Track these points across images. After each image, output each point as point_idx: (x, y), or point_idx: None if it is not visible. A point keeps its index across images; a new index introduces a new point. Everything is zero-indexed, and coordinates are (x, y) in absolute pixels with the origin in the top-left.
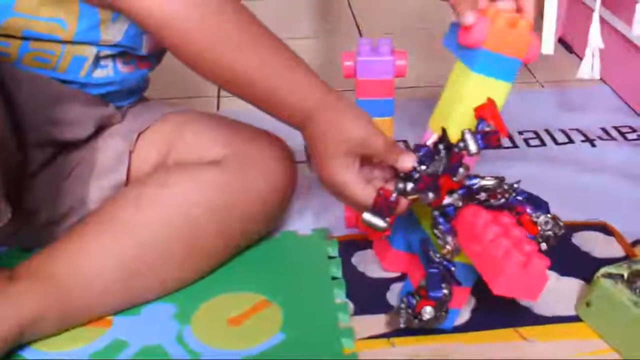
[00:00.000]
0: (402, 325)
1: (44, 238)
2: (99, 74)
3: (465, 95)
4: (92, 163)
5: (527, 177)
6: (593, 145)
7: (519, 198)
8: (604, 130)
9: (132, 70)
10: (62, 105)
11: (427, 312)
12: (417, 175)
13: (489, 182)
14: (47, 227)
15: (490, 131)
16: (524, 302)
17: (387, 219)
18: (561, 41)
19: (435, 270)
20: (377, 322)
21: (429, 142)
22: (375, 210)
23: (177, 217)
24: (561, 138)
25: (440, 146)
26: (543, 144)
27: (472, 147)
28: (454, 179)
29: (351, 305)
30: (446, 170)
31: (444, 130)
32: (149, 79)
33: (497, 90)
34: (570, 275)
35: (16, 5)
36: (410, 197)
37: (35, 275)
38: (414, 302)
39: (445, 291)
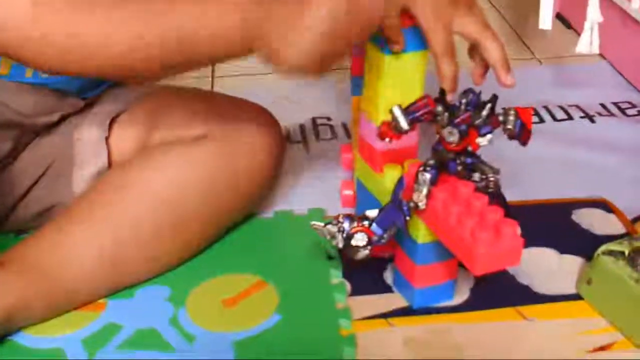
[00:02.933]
0: (326, 237)
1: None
2: (45, 73)
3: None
4: (70, 156)
5: (525, 154)
6: (592, 122)
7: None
8: (603, 106)
9: None
10: (15, 97)
11: (359, 238)
12: (462, 108)
13: (487, 169)
14: (36, 219)
15: (528, 128)
16: (524, 280)
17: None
18: (559, 17)
19: (392, 209)
20: (375, 302)
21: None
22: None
23: (163, 197)
24: (560, 114)
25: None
26: (542, 120)
27: (511, 126)
28: (479, 139)
29: (348, 286)
30: (479, 126)
31: (494, 96)
32: None
33: (414, 61)
34: (570, 253)
35: None
36: (442, 123)
37: (20, 263)
38: (349, 224)
39: (386, 234)
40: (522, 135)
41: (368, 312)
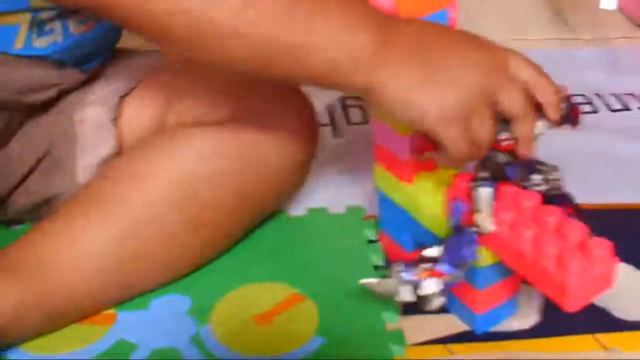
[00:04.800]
0: (388, 295)
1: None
2: (42, 42)
3: None
4: (72, 140)
5: (579, 149)
6: None
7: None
8: None
9: (91, 28)
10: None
11: (432, 284)
12: None
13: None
14: (32, 212)
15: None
16: (599, 302)
17: None
18: None
19: (457, 241)
20: (430, 324)
21: None
22: None
23: (180, 190)
24: (615, 104)
25: None
26: (595, 110)
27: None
28: None
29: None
30: None
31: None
32: (120, 28)
33: None
34: None
35: None
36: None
37: (15, 266)
38: (412, 272)
39: (460, 272)
40: (571, 116)
41: (423, 337)
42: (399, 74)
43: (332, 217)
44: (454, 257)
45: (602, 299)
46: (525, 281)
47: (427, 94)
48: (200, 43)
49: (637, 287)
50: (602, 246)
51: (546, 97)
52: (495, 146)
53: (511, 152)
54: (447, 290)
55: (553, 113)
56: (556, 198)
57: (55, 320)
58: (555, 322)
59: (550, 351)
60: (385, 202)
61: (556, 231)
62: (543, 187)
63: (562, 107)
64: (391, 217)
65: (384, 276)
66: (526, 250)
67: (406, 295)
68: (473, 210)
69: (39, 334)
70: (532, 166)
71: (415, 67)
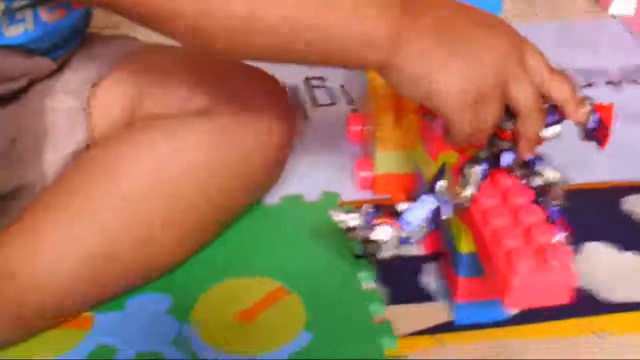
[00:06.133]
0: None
1: None
2: (14, 31)
3: None
4: (42, 130)
5: None
6: (618, 89)
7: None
8: (624, 70)
9: (63, 16)
10: None
11: (381, 232)
12: None
13: (555, 174)
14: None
15: (606, 126)
16: (585, 284)
17: None
18: None
19: (428, 197)
20: (416, 314)
21: None
22: None
23: (157, 185)
24: (581, 80)
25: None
26: None
27: (586, 119)
28: (543, 131)
29: (381, 292)
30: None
31: None
32: (90, 14)
33: None
34: (630, 249)
35: None
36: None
37: None
38: (373, 215)
39: (417, 232)
40: (598, 133)
41: (411, 327)
42: (421, 52)
43: (308, 205)
44: (417, 215)
45: (588, 282)
46: None
47: (446, 76)
48: (215, 29)
49: (621, 268)
50: (563, 255)
51: (563, 93)
52: (498, 132)
53: (513, 142)
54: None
55: (573, 111)
56: (554, 211)
57: (31, 329)
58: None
59: (538, 337)
60: (420, 175)
61: (526, 229)
62: (541, 194)
63: (591, 120)
64: None
65: (351, 211)
66: (488, 237)
67: (359, 233)
68: (457, 183)
69: (12, 342)
70: (539, 169)
71: (438, 45)
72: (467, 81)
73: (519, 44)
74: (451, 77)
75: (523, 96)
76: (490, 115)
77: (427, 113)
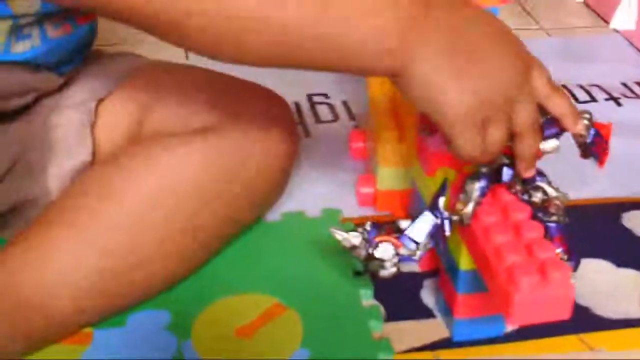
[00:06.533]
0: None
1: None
2: (20, 47)
3: None
4: (47, 145)
5: None
6: (619, 104)
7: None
8: (625, 86)
9: (69, 32)
10: None
11: (383, 250)
12: None
13: (552, 191)
14: (6, 218)
15: (605, 142)
16: (582, 300)
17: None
18: None
19: (430, 215)
20: (415, 331)
21: None
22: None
23: (162, 200)
24: (582, 95)
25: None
26: None
27: (583, 131)
28: (541, 144)
29: (381, 309)
30: (541, 126)
31: None
32: (95, 30)
33: None
34: (627, 266)
35: None
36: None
37: None
38: (374, 233)
39: (419, 250)
40: (596, 148)
41: (409, 343)
42: (435, 61)
43: (309, 221)
44: (418, 233)
45: (585, 298)
46: None
47: (455, 93)
48: (222, 36)
49: (617, 284)
50: (561, 270)
51: (561, 108)
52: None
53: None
54: (398, 262)
55: (572, 123)
56: (553, 227)
57: (35, 345)
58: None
59: (536, 353)
60: (417, 193)
61: (527, 246)
62: (541, 210)
63: (588, 134)
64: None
65: (353, 230)
66: (488, 252)
67: (361, 252)
68: (458, 199)
69: (19, 356)
70: (533, 179)
71: (452, 56)
72: (476, 99)
73: (528, 63)
74: (460, 93)
75: (522, 120)
76: (497, 136)
77: (424, 129)
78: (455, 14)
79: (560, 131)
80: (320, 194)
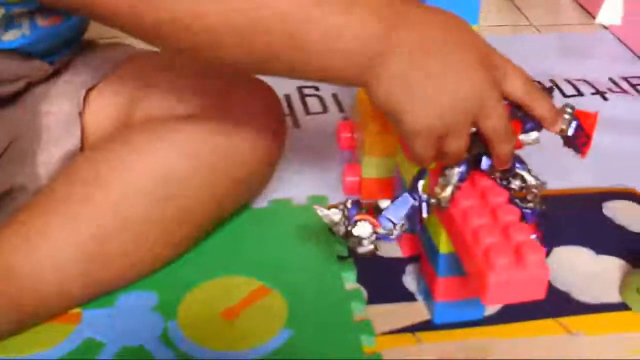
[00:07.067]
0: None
1: None
2: (10, 36)
3: None
4: (36, 132)
5: None
6: (605, 99)
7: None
8: (612, 81)
9: (58, 22)
10: None
11: (361, 228)
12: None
13: (531, 179)
14: None
15: (588, 134)
16: (561, 285)
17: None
18: None
19: (408, 197)
20: (396, 313)
21: None
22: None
23: (149, 189)
24: (569, 90)
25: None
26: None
27: (564, 125)
28: (522, 136)
29: (364, 292)
30: (523, 119)
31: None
32: (86, 20)
33: None
34: (607, 253)
35: None
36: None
37: None
38: (355, 211)
39: (396, 229)
40: (578, 140)
41: (390, 325)
42: (401, 72)
43: (296, 208)
44: (396, 213)
45: (565, 284)
46: None
47: (416, 107)
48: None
49: (597, 271)
50: (536, 252)
51: (539, 110)
52: (479, 135)
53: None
54: (376, 240)
55: (550, 124)
56: (529, 212)
57: (25, 324)
58: (520, 307)
59: (515, 337)
60: (400, 178)
61: (503, 228)
62: (519, 196)
63: (569, 127)
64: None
65: (335, 208)
66: (466, 235)
67: (341, 229)
68: (437, 183)
69: (7, 336)
70: (518, 172)
71: (417, 69)
72: (436, 117)
73: (497, 69)
74: (417, 115)
75: (491, 130)
76: (455, 146)
77: None
78: (427, 24)
79: (541, 126)
80: (308, 182)
